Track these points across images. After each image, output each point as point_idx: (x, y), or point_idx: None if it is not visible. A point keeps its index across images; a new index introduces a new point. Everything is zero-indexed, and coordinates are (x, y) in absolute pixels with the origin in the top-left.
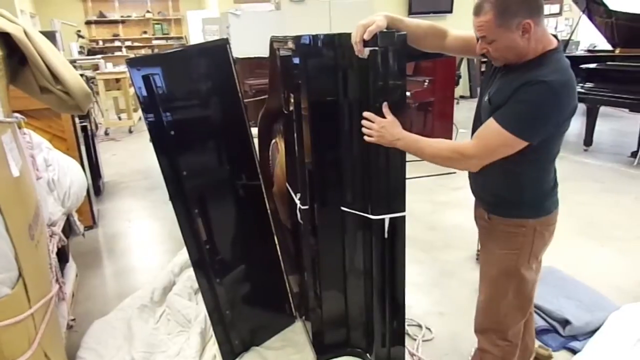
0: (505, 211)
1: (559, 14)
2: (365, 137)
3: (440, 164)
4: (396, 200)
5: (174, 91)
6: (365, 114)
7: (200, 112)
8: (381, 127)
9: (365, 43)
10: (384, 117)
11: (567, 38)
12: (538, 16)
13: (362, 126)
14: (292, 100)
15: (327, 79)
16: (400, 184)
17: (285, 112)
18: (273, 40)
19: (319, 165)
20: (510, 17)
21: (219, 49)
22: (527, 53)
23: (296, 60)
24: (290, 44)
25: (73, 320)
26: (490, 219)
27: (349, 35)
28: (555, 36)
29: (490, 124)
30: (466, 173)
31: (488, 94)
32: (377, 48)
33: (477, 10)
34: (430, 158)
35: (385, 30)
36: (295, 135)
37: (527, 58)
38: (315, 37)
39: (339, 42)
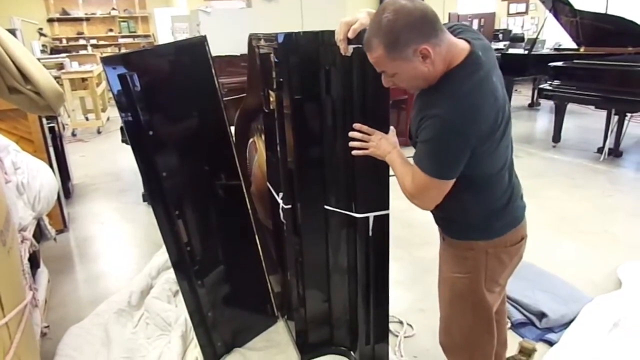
0: (454, 233)
1: (525, 12)
2: (355, 152)
3: None
4: (380, 198)
5: (151, 90)
6: (361, 126)
7: (179, 111)
8: (380, 139)
9: (349, 41)
10: (370, 120)
11: (533, 37)
12: (435, 36)
13: (351, 138)
14: (272, 99)
15: (309, 77)
16: (384, 181)
17: (266, 110)
18: (252, 38)
19: (301, 163)
20: (402, 48)
21: (197, 46)
22: (434, 75)
23: (277, 58)
24: (271, 42)
25: (47, 327)
26: (444, 240)
27: (331, 32)
28: (468, 41)
29: (414, 166)
30: None
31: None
32: (360, 45)
33: (367, 47)
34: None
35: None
36: (277, 133)
37: (436, 79)
38: (297, 35)
39: (321, 39)
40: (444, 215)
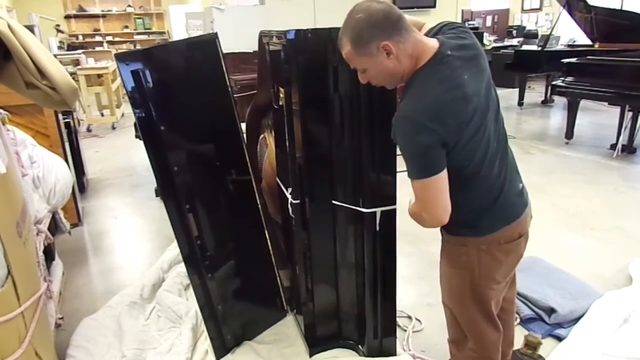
0: (447, 228)
1: (539, 8)
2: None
3: None
4: (387, 193)
5: (163, 86)
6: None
7: (190, 107)
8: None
9: None
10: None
11: (547, 33)
12: (398, 34)
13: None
14: (281, 95)
15: (318, 74)
16: (391, 177)
17: (275, 106)
18: (262, 35)
19: (310, 159)
20: (366, 44)
21: (209, 43)
22: (402, 72)
23: (287, 55)
24: (281, 39)
25: (61, 318)
26: (442, 235)
27: (339, 30)
28: (440, 40)
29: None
30: None
31: None
32: None
33: (339, 45)
34: None
35: None
36: (286, 129)
37: (407, 77)
38: (305, 32)
39: (330, 36)
40: None
